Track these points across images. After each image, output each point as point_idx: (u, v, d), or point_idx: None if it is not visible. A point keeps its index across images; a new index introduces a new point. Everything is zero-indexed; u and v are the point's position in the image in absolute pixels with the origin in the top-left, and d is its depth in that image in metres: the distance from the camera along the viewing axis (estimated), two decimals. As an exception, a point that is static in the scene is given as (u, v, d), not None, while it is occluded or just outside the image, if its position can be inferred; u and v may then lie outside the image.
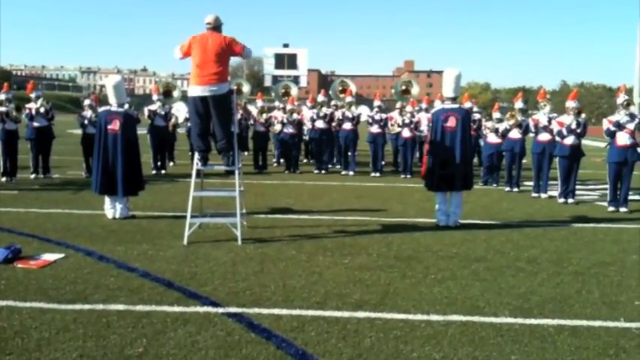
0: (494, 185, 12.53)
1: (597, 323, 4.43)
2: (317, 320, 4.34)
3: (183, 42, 6.89)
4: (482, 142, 13.44)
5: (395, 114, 14.42)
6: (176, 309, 4.50)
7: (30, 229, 7.19)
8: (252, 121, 15.70)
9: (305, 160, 16.91)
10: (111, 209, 8.03)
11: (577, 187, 10.76)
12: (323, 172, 14.35)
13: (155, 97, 14.39)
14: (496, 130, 12.43)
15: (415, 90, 16.09)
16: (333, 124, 14.38)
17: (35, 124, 12.12)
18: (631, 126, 9.44)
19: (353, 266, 5.84)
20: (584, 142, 10.60)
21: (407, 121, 13.95)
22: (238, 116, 13.32)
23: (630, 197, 9.87)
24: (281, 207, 9.32)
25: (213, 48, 6.71)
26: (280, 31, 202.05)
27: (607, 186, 9.90)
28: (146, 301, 4.65)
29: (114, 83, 8.16)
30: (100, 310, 4.44)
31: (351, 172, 14.10)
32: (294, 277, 5.44)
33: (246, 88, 17.51)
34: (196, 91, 6.77)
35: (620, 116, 9.59)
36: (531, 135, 11.42)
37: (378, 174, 13.94)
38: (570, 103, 10.44)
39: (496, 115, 12.84)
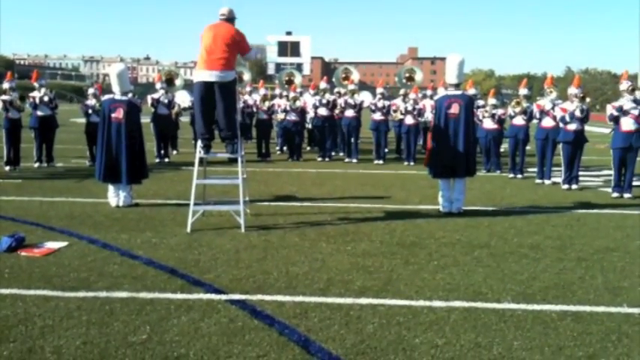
0: (498, 172, 12.48)
1: (600, 309, 4.43)
2: (320, 307, 4.35)
3: None
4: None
5: (398, 101, 14.36)
6: (179, 296, 4.52)
7: (34, 218, 7.21)
8: (255, 109, 15.68)
9: (308, 148, 16.88)
10: (114, 197, 8.05)
11: (581, 173, 10.73)
12: (326, 159, 14.33)
13: (158, 85, 14.39)
14: (492, 116, 12.37)
15: (419, 77, 16.04)
16: (336, 111, 14.33)
17: (39, 112, 12.13)
18: (635, 112, 9.38)
19: (356, 253, 5.85)
20: (589, 128, 10.53)
21: (410, 108, 13.89)
22: (241, 104, 13.32)
23: (634, 183, 9.84)
24: (284, 194, 9.32)
25: (224, 36, 6.75)
26: (283, 18, 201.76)
27: (611, 172, 9.86)
28: (150, 289, 4.67)
29: (118, 71, 8.14)
30: (104, 298, 4.46)
31: (354, 160, 14.09)
32: (297, 264, 5.45)
33: (246, 76, 17.47)
34: (203, 75, 6.76)
35: (625, 102, 9.53)
36: (535, 121, 11.37)
37: (381, 161, 13.91)
38: (573, 90, 10.41)
39: (492, 100, 12.71)
